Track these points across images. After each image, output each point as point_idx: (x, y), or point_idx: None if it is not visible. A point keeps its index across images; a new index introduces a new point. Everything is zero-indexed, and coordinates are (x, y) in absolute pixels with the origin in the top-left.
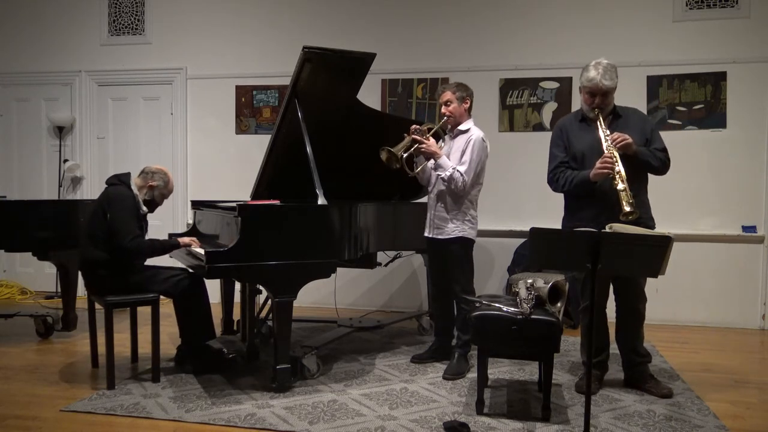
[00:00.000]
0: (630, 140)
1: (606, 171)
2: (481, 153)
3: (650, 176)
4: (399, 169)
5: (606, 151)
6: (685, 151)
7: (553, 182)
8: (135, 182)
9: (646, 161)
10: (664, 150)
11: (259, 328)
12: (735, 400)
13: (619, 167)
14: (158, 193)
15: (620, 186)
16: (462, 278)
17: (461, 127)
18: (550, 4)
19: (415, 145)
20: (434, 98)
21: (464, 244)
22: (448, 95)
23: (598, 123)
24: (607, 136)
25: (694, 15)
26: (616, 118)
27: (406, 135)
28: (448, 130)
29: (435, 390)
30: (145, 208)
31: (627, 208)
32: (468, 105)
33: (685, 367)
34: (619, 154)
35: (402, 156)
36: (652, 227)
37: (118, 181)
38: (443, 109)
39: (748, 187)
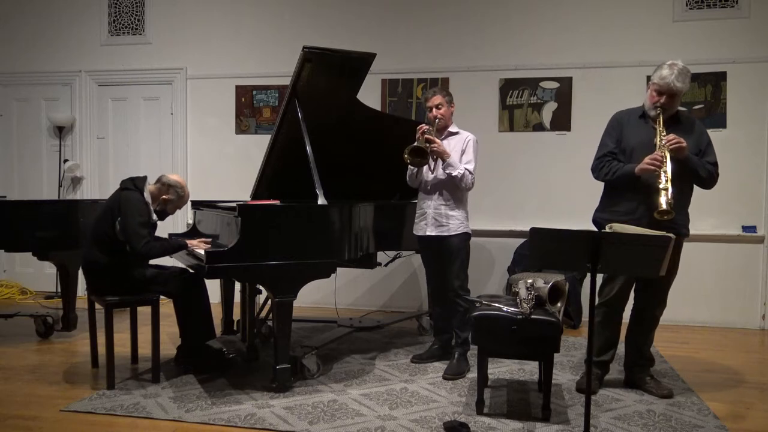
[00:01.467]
0: (684, 144)
1: (653, 168)
2: (477, 152)
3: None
4: (417, 166)
5: (658, 150)
6: None
7: (597, 170)
8: (150, 190)
9: (694, 169)
10: (715, 164)
11: (259, 328)
12: (735, 400)
13: (667, 167)
14: (172, 206)
15: (663, 185)
16: (462, 273)
17: (451, 129)
18: (550, 4)
19: (429, 145)
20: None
21: (466, 239)
22: (438, 99)
23: (658, 122)
24: (663, 135)
25: (694, 15)
26: (676, 123)
27: (418, 135)
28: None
29: (435, 390)
30: (155, 217)
31: (664, 206)
32: (453, 108)
33: (685, 367)
34: (670, 157)
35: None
36: (685, 235)
37: (133, 186)
38: (435, 112)
39: (748, 187)
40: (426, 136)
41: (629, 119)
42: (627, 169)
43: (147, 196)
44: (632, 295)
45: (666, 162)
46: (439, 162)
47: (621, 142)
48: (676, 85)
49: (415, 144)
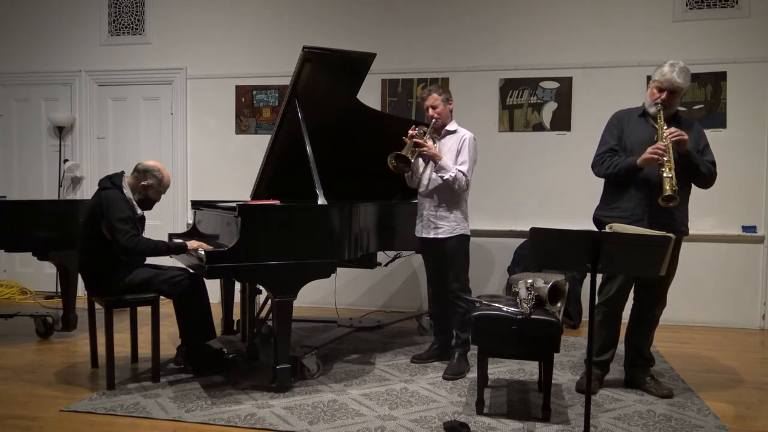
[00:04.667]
0: (685, 137)
1: (656, 157)
2: (474, 152)
3: None
4: (401, 172)
5: (660, 141)
6: None
7: (598, 164)
8: (128, 181)
9: (695, 165)
10: (714, 164)
11: (259, 328)
12: (735, 400)
13: (669, 158)
14: (153, 191)
15: (667, 174)
16: (461, 275)
17: (448, 128)
18: (550, 4)
19: (417, 149)
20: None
21: (463, 241)
22: (434, 98)
23: (659, 117)
24: (665, 129)
25: (694, 15)
26: (675, 123)
27: (405, 139)
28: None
29: (435, 390)
30: (140, 210)
31: (669, 191)
32: (452, 106)
33: (685, 367)
34: (672, 152)
35: (414, 160)
36: (683, 233)
37: (111, 184)
38: (431, 112)
39: (748, 187)
40: (415, 140)
41: (629, 118)
42: (629, 161)
43: (127, 191)
44: (632, 294)
45: (669, 152)
46: (431, 164)
47: (621, 140)
48: (677, 81)
49: (400, 151)
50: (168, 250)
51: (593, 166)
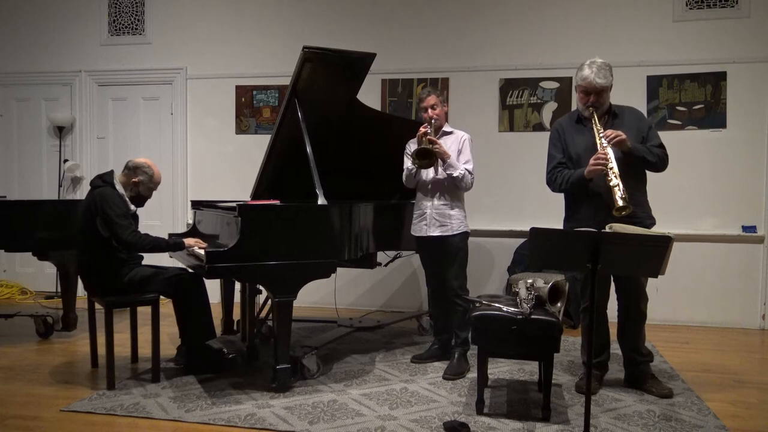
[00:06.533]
0: (623, 136)
1: (599, 167)
2: (473, 151)
3: (650, 176)
4: (425, 168)
5: (600, 149)
6: (685, 151)
7: (552, 182)
8: (119, 179)
9: (641, 157)
10: (661, 146)
11: (259, 328)
12: (735, 400)
13: (612, 164)
14: (144, 187)
15: (613, 182)
16: (461, 273)
17: (445, 129)
18: (550, 4)
19: (431, 146)
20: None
21: (465, 238)
22: (433, 99)
23: (593, 121)
24: (601, 134)
25: (694, 15)
26: (613, 117)
27: (420, 136)
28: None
29: (435, 390)
30: (133, 207)
31: (620, 203)
32: (447, 109)
33: (685, 367)
34: (615, 152)
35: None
36: (650, 226)
37: (102, 182)
38: (430, 112)
39: (748, 187)
40: (429, 137)
41: (568, 127)
42: (577, 174)
43: (119, 187)
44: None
45: (610, 159)
46: (439, 162)
47: (567, 151)
48: (598, 82)
49: (421, 146)
50: (167, 246)
51: (548, 184)
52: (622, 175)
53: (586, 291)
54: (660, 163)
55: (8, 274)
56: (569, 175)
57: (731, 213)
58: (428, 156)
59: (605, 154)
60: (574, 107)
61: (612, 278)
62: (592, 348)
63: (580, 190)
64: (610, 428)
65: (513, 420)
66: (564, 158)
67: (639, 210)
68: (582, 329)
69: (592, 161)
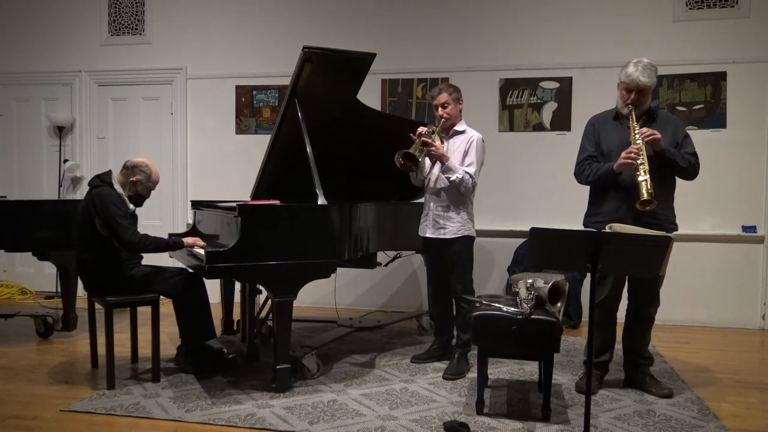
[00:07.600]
0: (658, 135)
1: (629, 162)
2: (482, 153)
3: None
4: (407, 171)
5: (633, 144)
6: None
7: (579, 173)
8: (117, 179)
9: (673, 161)
10: (695, 155)
11: (259, 328)
12: (735, 400)
13: (643, 160)
14: (142, 187)
15: (642, 177)
16: (465, 277)
17: (457, 128)
18: (550, 4)
19: (425, 148)
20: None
21: (468, 242)
22: (444, 97)
23: (630, 119)
24: (637, 130)
25: (694, 15)
26: (650, 119)
27: (413, 137)
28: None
29: (435, 390)
30: (132, 206)
31: (645, 196)
32: (462, 106)
33: (685, 367)
34: (648, 152)
35: (421, 159)
36: (669, 231)
37: (101, 182)
38: (440, 111)
39: (748, 187)
40: (423, 138)
41: (604, 122)
42: (606, 167)
43: (117, 187)
44: (626, 295)
45: (642, 154)
46: (438, 164)
47: (599, 146)
48: (642, 80)
49: (408, 150)
50: (167, 246)
51: (575, 175)
52: (652, 174)
53: (596, 290)
54: (691, 170)
55: (8, 274)
56: (598, 167)
57: (731, 213)
58: (412, 159)
59: (638, 148)
60: (574, 107)
61: (627, 279)
62: (595, 347)
63: (606, 185)
64: (610, 428)
65: (513, 420)
66: (595, 152)
67: (661, 212)
68: (590, 326)
69: (623, 155)
